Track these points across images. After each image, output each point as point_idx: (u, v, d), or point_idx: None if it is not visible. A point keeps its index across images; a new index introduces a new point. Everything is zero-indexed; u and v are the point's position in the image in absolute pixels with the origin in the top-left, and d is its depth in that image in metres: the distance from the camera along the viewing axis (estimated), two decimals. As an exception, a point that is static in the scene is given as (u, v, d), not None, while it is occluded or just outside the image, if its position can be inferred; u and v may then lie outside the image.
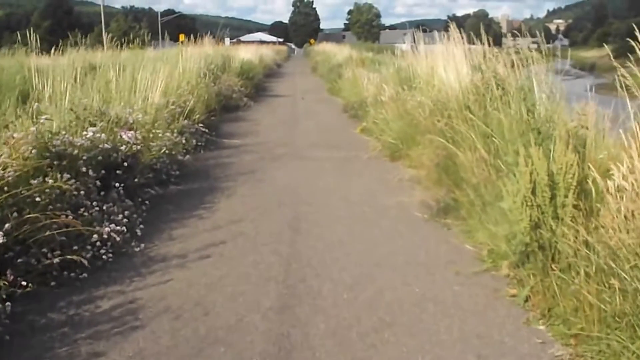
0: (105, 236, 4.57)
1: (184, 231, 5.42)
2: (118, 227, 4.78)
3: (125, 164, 5.84)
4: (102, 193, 5.26)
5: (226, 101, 14.20)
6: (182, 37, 20.39)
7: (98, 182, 5.29)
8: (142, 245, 4.92)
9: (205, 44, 17.99)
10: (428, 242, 5.14)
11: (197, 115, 9.94)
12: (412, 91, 10.17)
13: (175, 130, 7.97)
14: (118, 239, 4.69)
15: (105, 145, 5.64)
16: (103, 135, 5.70)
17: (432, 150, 7.36)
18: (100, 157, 5.51)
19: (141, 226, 5.20)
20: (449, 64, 8.88)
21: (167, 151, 7.19)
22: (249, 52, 26.08)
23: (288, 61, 52.13)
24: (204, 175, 7.67)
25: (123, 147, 5.96)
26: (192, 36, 16.96)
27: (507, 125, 5.16)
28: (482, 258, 4.58)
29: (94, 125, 5.86)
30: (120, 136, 6.11)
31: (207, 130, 9.74)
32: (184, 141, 7.90)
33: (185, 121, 9.14)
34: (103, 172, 5.52)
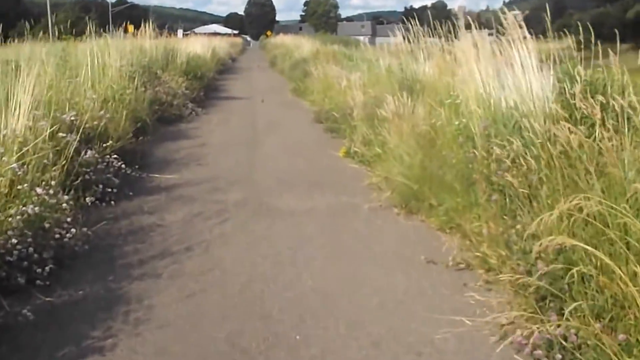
0: None
1: None
2: None
3: None
4: None
5: (165, 110, 10.91)
6: (130, 28, 18.75)
7: None
8: None
9: (144, 36, 14.62)
10: None
11: (111, 141, 6.65)
12: (424, 104, 7.22)
13: (54, 181, 4.69)
14: None
15: None
16: None
17: (498, 222, 4.32)
18: None
19: None
20: (487, 65, 5.91)
21: (30, 225, 3.99)
22: (200, 45, 22.66)
23: (244, 54, 48.60)
24: (96, 270, 4.37)
25: None
26: (142, 27, 15.04)
27: None
28: None
29: None
30: None
31: (123, 165, 6.46)
32: (66, 203, 4.58)
33: (89, 153, 5.90)
34: None
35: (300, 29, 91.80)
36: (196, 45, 21.95)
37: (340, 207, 6.06)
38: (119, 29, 14.74)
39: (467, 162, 5.14)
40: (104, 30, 13.99)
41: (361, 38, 57.56)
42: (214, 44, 29.48)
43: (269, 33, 75.10)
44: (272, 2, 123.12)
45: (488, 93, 5.49)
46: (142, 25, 15.01)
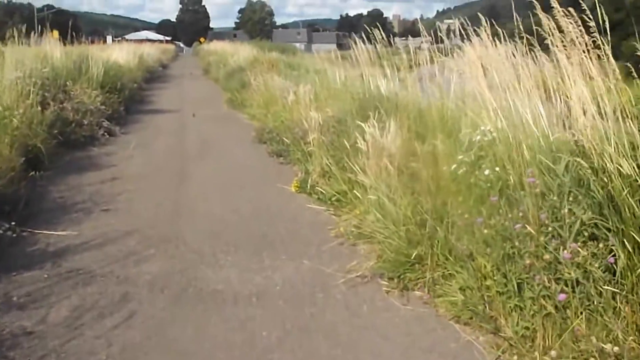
0: None
1: None
2: None
3: None
4: None
5: (72, 132, 8.83)
6: (55, 33, 17.46)
7: None
8: None
9: (50, 42, 12.45)
10: None
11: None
12: (401, 130, 5.60)
13: None
14: None
15: None
16: None
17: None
18: None
19: None
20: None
21: None
22: (126, 52, 20.40)
23: (176, 61, 46.00)
24: None
25: None
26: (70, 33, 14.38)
27: None
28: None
29: None
30: None
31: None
32: None
33: None
34: None
35: (235, 35, 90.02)
36: (122, 52, 19.73)
37: (305, 283, 4.22)
38: (42, 35, 12.64)
39: (505, 235, 3.40)
40: (29, 36, 12.17)
41: (297, 45, 56.12)
42: (143, 50, 27.22)
43: (202, 40, 72.50)
44: (205, 9, 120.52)
45: (525, 123, 3.77)
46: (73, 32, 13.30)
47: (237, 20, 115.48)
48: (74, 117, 9.02)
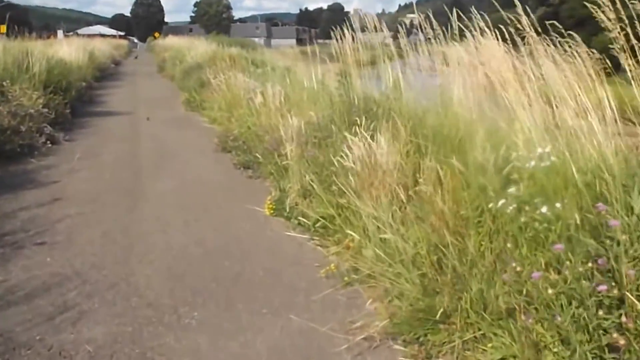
0: None
1: None
2: None
3: None
4: None
5: (6, 140, 7.65)
6: (3, 28, 17.93)
7: None
8: None
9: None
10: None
11: None
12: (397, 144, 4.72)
13: None
14: None
15: None
16: None
17: None
18: None
19: None
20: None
21: None
22: (75, 47, 18.97)
23: (129, 57, 44.24)
24: None
25: None
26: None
27: None
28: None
29: None
30: None
31: None
32: None
33: None
34: None
35: (191, 30, 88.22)
36: (70, 48, 18.32)
37: (296, 351, 3.24)
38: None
39: (577, 297, 2.49)
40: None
41: (256, 40, 54.75)
42: (94, 46, 25.75)
43: (156, 34, 70.46)
44: (160, 2, 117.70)
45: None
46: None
47: (193, 14, 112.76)
48: (10, 123, 7.83)
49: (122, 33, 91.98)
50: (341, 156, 4.70)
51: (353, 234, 4.48)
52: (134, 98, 16.11)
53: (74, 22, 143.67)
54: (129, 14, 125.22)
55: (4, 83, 9.30)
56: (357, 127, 4.99)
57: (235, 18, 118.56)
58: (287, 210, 5.54)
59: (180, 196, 6.29)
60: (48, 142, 8.40)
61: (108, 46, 34.13)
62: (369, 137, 4.71)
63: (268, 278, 4.22)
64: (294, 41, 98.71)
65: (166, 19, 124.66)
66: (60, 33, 45.98)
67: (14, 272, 4.19)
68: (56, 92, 10.58)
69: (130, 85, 20.05)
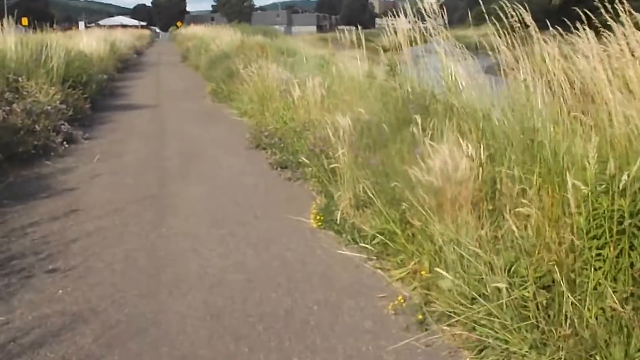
0: None
1: None
2: None
3: None
4: None
5: (20, 141, 6.92)
6: (24, 21, 19.58)
7: None
8: None
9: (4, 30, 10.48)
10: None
11: None
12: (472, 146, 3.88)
13: None
14: None
15: None
16: None
17: None
18: None
19: None
20: None
21: None
22: (96, 39, 18.28)
23: (152, 47, 43.67)
24: None
25: None
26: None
27: None
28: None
29: None
30: None
31: None
32: None
33: None
34: None
35: (212, 19, 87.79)
36: (90, 39, 17.65)
37: None
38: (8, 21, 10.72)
39: None
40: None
41: (277, 27, 53.90)
42: (115, 36, 25.12)
43: (179, 24, 69.87)
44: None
45: None
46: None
47: (214, 3, 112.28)
48: (24, 122, 7.11)
49: (143, 23, 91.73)
50: (411, 165, 3.89)
51: (422, 257, 3.71)
52: (158, 89, 15.41)
53: (96, 13, 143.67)
54: (150, 4, 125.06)
55: (20, 78, 8.62)
56: (418, 128, 4.21)
57: (255, 6, 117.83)
58: (337, 222, 4.75)
59: (212, 205, 5.52)
60: (65, 141, 7.67)
61: (130, 36, 33.48)
62: (450, 143, 3.89)
63: (325, 315, 3.44)
64: (314, 28, 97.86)
65: (188, 8, 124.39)
66: (81, 25, 45.59)
67: (18, 310, 3.45)
68: (75, 87, 9.88)
69: (153, 76, 19.35)
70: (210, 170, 6.82)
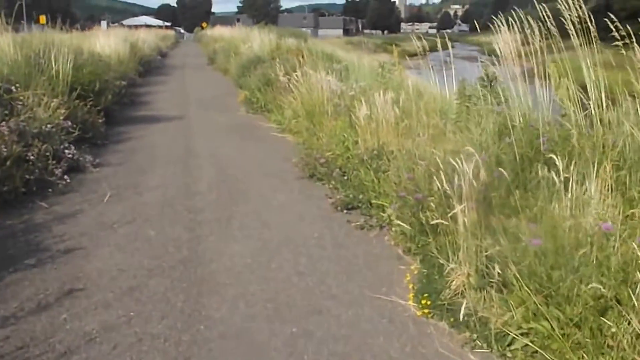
0: None
1: None
2: None
3: None
4: None
5: (3, 178, 5.27)
6: (42, 19, 18.17)
7: None
8: None
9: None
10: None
11: None
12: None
13: None
14: None
15: None
16: None
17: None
18: None
19: None
20: None
21: None
22: (113, 39, 16.67)
23: (176, 48, 42.11)
24: None
25: None
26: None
27: None
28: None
29: None
30: None
31: None
32: None
33: None
34: None
35: (238, 20, 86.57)
36: (109, 40, 16.08)
37: None
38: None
39: None
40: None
41: (304, 30, 52.44)
42: (138, 37, 23.56)
43: (204, 25, 68.63)
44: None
45: None
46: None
47: (240, 4, 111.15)
48: (12, 148, 5.46)
49: (168, 23, 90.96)
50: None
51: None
52: (184, 96, 13.78)
53: (119, 13, 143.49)
54: (175, 5, 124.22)
55: (13, 88, 6.97)
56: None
57: (282, 8, 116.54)
58: (450, 307, 3.08)
59: (267, 278, 3.82)
60: (67, 173, 5.98)
61: (154, 37, 31.93)
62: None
63: None
64: (340, 32, 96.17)
65: (213, 9, 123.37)
66: (104, 24, 44.19)
67: None
68: (86, 97, 8.23)
69: (178, 81, 17.72)
70: (257, 213, 5.12)
